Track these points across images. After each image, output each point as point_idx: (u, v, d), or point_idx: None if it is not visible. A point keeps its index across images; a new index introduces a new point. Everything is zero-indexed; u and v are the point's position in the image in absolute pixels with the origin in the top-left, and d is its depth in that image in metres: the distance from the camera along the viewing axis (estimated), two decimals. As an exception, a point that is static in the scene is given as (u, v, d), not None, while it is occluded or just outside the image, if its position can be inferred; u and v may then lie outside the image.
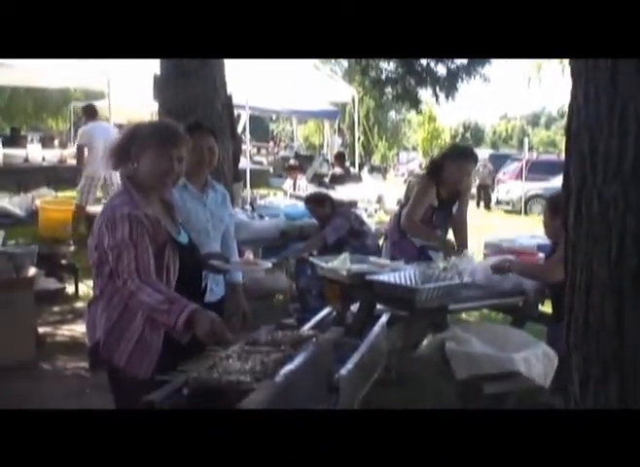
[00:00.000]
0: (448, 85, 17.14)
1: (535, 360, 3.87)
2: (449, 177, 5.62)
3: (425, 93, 19.54)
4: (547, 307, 5.20)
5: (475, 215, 9.68)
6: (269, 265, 3.89)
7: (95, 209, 10.37)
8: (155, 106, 7.78)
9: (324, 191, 9.05)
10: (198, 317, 2.79)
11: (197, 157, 3.82)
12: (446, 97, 17.93)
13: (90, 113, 11.63)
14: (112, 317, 3.00)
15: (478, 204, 23.62)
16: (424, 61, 16.31)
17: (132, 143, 3.05)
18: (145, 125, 3.20)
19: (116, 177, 10.67)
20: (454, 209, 5.85)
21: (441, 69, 17.27)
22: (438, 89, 17.37)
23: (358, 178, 14.79)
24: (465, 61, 16.65)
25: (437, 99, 17.51)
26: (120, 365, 3.00)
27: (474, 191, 21.24)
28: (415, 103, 19.23)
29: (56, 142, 23.76)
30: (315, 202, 7.36)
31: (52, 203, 11.28)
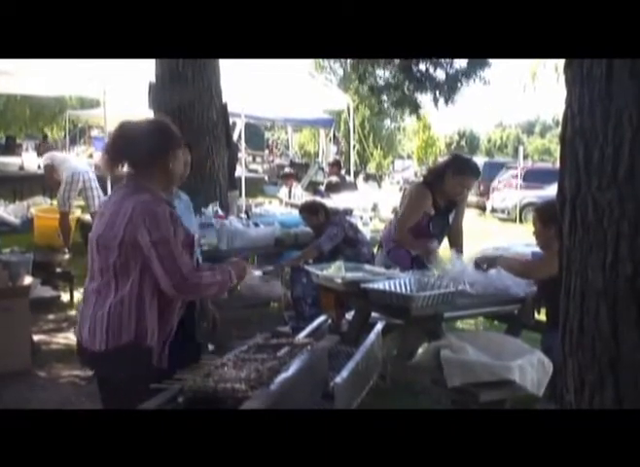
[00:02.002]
0: (448, 89, 17.15)
1: (530, 368, 3.87)
2: (449, 190, 5.60)
3: (424, 99, 19.56)
4: (542, 316, 5.20)
5: (470, 223, 9.67)
6: (260, 273, 3.95)
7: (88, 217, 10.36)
8: (150, 114, 7.77)
9: (317, 199, 9.04)
10: (235, 261, 3.31)
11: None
12: (446, 102, 17.94)
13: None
14: (158, 313, 3.05)
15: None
16: (423, 67, 16.33)
17: (149, 145, 3.10)
18: (163, 123, 3.25)
19: (95, 181, 10.62)
20: (451, 218, 5.84)
21: (440, 74, 17.29)
22: (437, 93, 17.37)
23: (353, 186, 14.78)
24: (464, 65, 16.67)
25: (436, 104, 17.44)
26: (156, 359, 3.05)
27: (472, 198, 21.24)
28: (415, 108, 19.22)
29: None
30: (309, 211, 7.35)
31: (47, 212, 11.27)
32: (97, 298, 3.04)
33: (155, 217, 2.92)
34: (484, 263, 4.75)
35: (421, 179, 6.39)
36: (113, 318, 2.99)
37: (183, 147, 3.29)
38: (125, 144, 3.09)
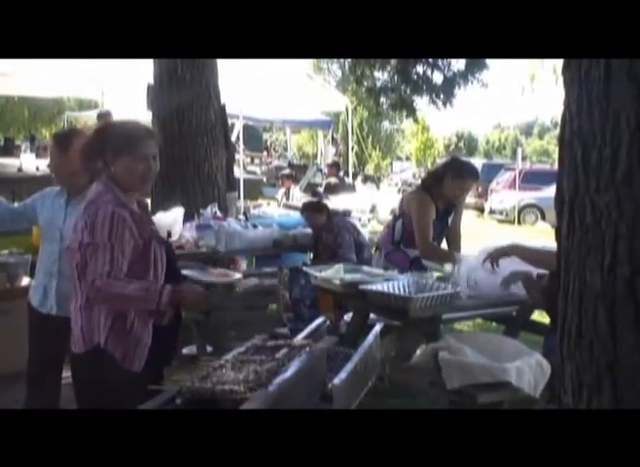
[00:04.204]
0: (445, 92, 17.18)
1: (528, 370, 3.87)
2: (448, 193, 5.60)
3: (421, 102, 19.59)
4: (543, 317, 5.20)
5: (468, 224, 9.66)
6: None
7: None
8: (148, 115, 7.77)
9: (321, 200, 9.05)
10: (182, 289, 2.86)
11: (72, 166, 3.89)
12: (444, 104, 17.98)
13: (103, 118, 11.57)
14: (110, 314, 2.99)
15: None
16: (420, 69, 16.36)
17: (105, 147, 3.05)
18: (114, 127, 3.20)
19: None
20: (449, 220, 5.84)
21: (437, 77, 17.31)
22: (434, 96, 17.40)
23: (352, 188, 14.78)
24: (461, 68, 16.70)
25: (435, 105, 17.49)
26: (122, 361, 3.02)
27: (470, 200, 21.22)
28: (412, 112, 19.26)
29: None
30: (314, 209, 7.34)
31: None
32: (74, 299, 3.11)
33: (94, 219, 2.90)
34: (496, 257, 4.58)
35: (419, 183, 6.37)
36: (82, 321, 3.04)
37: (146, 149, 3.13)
38: (93, 149, 3.09)
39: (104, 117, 11.35)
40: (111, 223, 2.89)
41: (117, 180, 3.05)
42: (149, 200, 6.72)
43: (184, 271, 3.55)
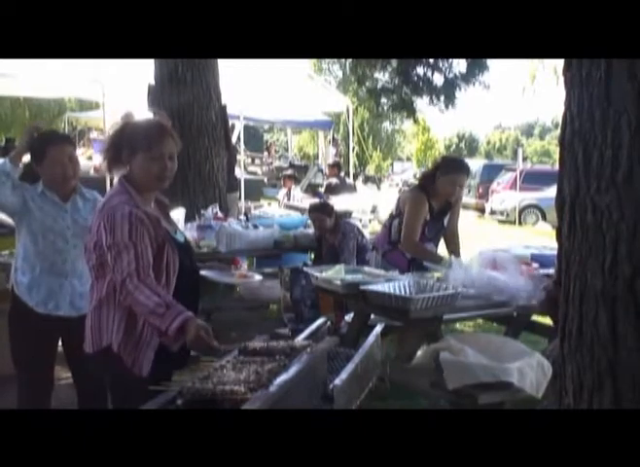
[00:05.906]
0: (446, 93, 17.16)
1: (529, 370, 3.86)
2: (441, 190, 5.61)
3: (421, 103, 19.58)
4: (543, 317, 5.19)
5: (469, 225, 9.65)
6: (261, 277, 3.90)
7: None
8: (149, 115, 7.76)
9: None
10: (190, 324, 2.78)
11: (60, 168, 3.86)
12: (446, 106, 17.96)
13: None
14: (124, 318, 2.97)
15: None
16: (421, 71, 16.33)
17: (122, 146, 3.04)
18: (131, 126, 3.16)
19: None
20: (446, 221, 5.84)
21: (437, 78, 17.29)
22: (435, 97, 17.38)
23: (353, 188, 14.78)
24: (463, 69, 16.67)
25: (435, 106, 17.47)
26: (130, 365, 2.99)
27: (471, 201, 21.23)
28: (412, 113, 19.27)
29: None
30: (322, 211, 7.26)
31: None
32: (90, 298, 3.11)
33: (112, 221, 2.89)
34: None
35: (416, 183, 6.40)
36: (93, 322, 3.03)
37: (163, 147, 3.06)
38: (112, 149, 3.08)
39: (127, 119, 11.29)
40: (130, 222, 2.88)
41: (133, 180, 3.04)
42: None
43: (203, 272, 3.47)
